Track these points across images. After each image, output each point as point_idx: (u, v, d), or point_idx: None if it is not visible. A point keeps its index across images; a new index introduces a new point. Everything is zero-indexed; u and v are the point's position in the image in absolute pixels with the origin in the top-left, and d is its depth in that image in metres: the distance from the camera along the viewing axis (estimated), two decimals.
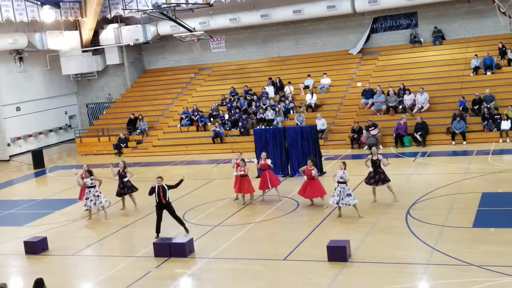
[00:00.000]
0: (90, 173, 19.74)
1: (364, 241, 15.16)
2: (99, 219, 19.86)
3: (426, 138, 27.21)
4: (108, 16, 37.58)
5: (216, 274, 14.22)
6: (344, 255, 13.81)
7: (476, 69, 30.39)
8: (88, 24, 37.40)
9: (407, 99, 29.55)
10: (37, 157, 31.45)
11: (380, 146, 26.83)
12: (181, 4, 32.18)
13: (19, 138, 36.50)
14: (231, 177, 20.78)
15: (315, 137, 23.33)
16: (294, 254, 14.81)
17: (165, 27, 36.84)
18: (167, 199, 16.85)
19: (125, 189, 20.35)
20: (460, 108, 27.88)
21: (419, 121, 27.26)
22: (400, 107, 29.58)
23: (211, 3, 33.02)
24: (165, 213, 17.07)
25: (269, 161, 20.06)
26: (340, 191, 17.04)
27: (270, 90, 33.51)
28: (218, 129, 31.22)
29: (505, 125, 26.38)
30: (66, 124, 40.28)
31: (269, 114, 31.06)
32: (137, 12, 35.01)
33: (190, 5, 32.59)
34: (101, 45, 38.71)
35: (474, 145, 25.96)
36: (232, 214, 18.86)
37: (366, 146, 27.44)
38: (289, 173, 23.46)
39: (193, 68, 39.10)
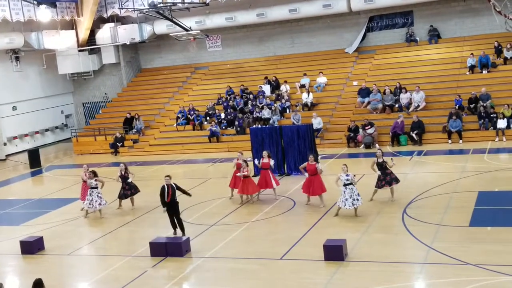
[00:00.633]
0: (94, 174, 19.74)
1: (361, 240, 15.18)
2: (95, 218, 19.84)
3: (422, 137, 27.23)
4: (104, 16, 37.54)
5: (213, 273, 14.22)
6: (340, 254, 13.82)
7: (472, 68, 30.43)
8: (84, 24, 37.33)
9: (403, 97, 29.58)
10: (34, 157, 31.40)
11: (377, 145, 26.83)
12: (177, 3, 32.13)
13: (15, 138, 36.43)
14: (227, 176, 20.77)
15: (311, 136, 23.34)
16: (290, 253, 14.81)
17: (161, 26, 36.81)
18: (174, 198, 16.68)
19: (131, 190, 20.33)
20: (456, 107, 27.92)
21: (415, 120, 27.28)
22: (396, 105, 29.61)
23: (207, 2, 32.96)
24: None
25: (272, 162, 20.01)
26: (351, 194, 16.91)
27: (266, 89, 33.51)
28: (214, 128, 31.21)
29: (501, 123, 26.42)
30: (63, 123, 40.23)
31: (265, 113, 31.05)
32: (133, 12, 34.98)
33: (186, 4, 32.54)
34: (98, 45, 38.65)
35: (470, 144, 25.99)
36: (228, 213, 18.86)
37: (363, 145, 27.47)
38: (286, 172, 23.46)
39: (189, 67, 39.08)
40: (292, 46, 36.64)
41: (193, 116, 33.04)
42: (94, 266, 15.75)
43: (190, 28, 32.99)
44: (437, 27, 33.45)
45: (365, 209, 17.56)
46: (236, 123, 31.35)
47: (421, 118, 27.63)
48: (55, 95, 39.72)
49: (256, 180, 20.25)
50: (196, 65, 38.93)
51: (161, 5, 30.90)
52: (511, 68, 29.86)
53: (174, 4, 31.64)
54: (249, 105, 32.53)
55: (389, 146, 27.20)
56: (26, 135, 37.20)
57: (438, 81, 30.61)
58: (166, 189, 16.65)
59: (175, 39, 33.54)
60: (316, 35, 35.94)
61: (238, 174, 19.75)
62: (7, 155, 35.14)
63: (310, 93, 31.95)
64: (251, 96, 33.24)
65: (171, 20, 31.70)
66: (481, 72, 30.18)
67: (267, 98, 32.35)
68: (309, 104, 31.50)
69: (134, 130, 34.39)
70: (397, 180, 18.32)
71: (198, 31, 32.66)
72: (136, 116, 34.61)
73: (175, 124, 33.64)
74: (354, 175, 17.26)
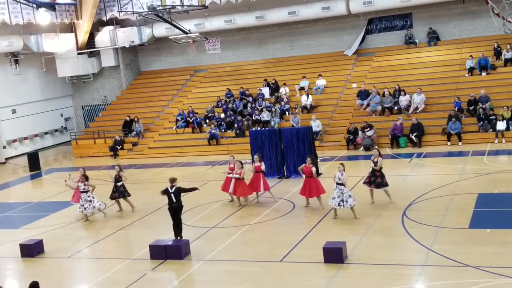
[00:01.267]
0: (86, 178, 19.75)
1: (360, 243, 15.16)
2: (95, 221, 19.84)
3: (422, 139, 27.24)
4: (104, 19, 37.55)
5: (212, 276, 14.21)
6: (340, 257, 13.81)
7: (471, 70, 30.46)
8: (84, 27, 37.36)
9: (403, 100, 29.59)
10: (33, 160, 31.38)
11: (376, 147, 26.81)
12: (176, 6, 32.18)
13: (14, 141, 36.42)
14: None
15: (310, 138, 23.33)
16: (290, 255, 14.80)
17: (161, 29, 36.84)
18: (179, 201, 16.57)
19: (117, 193, 20.31)
20: (456, 109, 27.93)
21: (415, 122, 27.29)
22: (396, 108, 29.62)
23: (206, 5, 33.04)
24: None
25: (263, 166, 20.03)
26: (341, 193, 17.00)
27: (266, 91, 33.52)
28: (213, 130, 31.21)
29: (500, 125, 26.43)
30: (62, 126, 40.21)
31: (265, 116, 31.06)
32: (132, 14, 35.00)
33: (185, 7, 32.60)
34: (97, 47, 38.68)
35: (469, 146, 26.00)
36: (228, 216, 18.85)
37: (362, 147, 27.47)
38: (285, 174, 23.46)
39: (188, 70, 39.09)
40: (291, 48, 36.66)
41: (192, 119, 33.04)
42: (94, 269, 15.73)
43: (189, 30, 33.00)
44: (436, 29, 33.48)
45: (365, 211, 17.56)
46: (236, 125, 31.35)
47: (421, 120, 27.64)
48: (54, 98, 39.73)
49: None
50: (195, 67, 38.95)
51: (160, 8, 30.94)
52: (510, 70, 29.89)
53: (173, 7, 31.68)
54: (249, 108, 32.53)
55: (388, 148, 27.20)
56: (26, 138, 37.19)
57: (437, 83, 30.63)
58: (170, 191, 16.53)
59: (174, 42, 33.57)
60: (315, 38, 35.97)
61: (230, 175, 19.77)
62: (6, 158, 35.15)
63: (310, 96, 31.97)
64: (250, 98, 33.25)
65: (170, 23, 31.72)
66: (480, 74, 30.21)
67: (267, 101, 32.37)
68: (308, 106, 31.51)
69: (133, 133, 34.38)
70: (379, 186, 18.17)
71: (197, 34, 32.69)
72: (136, 119, 34.61)
73: (174, 127, 33.64)
74: (344, 176, 17.15)
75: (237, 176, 19.52)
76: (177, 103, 36.28)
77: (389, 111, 29.59)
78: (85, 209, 19.57)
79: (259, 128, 29.45)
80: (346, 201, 16.95)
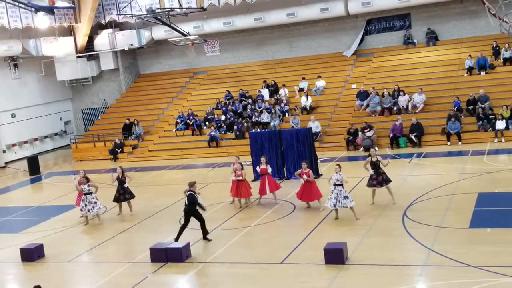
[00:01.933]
0: (87, 179, 19.74)
1: (361, 243, 15.16)
2: (95, 225, 19.82)
3: (422, 139, 27.24)
4: (102, 22, 37.56)
5: (213, 278, 14.21)
6: (341, 258, 13.81)
7: (470, 70, 30.47)
8: (83, 30, 37.38)
9: (402, 100, 29.60)
10: (33, 164, 31.37)
11: (376, 148, 26.81)
12: (175, 9, 32.22)
13: (14, 145, 36.42)
14: (227, 181, 20.78)
15: (310, 140, 23.33)
16: (291, 257, 14.79)
17: (159, 32, 36.87)
18: (190, 205, 16.48)
19: (126, 194, 20.31)
20: (455, 109, 27.94)
21: (414, 122, 27.30)
22: (395, 108, 29.63)
23: (205, 7, 33.07)
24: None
25: (269, 169, 20.01)
26: (337, 194, 17.04)
27: (265, 93, 33.53)
28: (213, 133, 31.22)
29: (500, 125, 26.44)
30: (62, 130, 40.21)
31: (265, 117, 31.07)
32: (131, 17, 35.00)
33: (184, 9, 32.63)
34: (96, 51, 38.70)
35: (469, 145, 26.01)
36: (228, 218, 18.84)
37: (362, 148, 27.47)
38: (285, 176, 23.45)
39: (187, 72, 39.10)
40: (290, 50, 36.68)
41: (192, 121, 33.04)
42: (95, 273, 15.72)
43: (188, 33, 33.03)
44: (435, 29, 33.49)
45: (365, 212, 17.56)
46: (235, 127, 31.35)
47: (420, 120, 27.65)
48: (54, 102, 39.74)
49: (253, 184, 20.21)
50: (194, 70, 38.97)
51: (159, 10, 30.99)
52: (509, 69, 29.92)
53: (172, 9, 31.74)
54: (248, 110, 32.53)
55: (388, 149, 27.22)
56: (25, 142, 37.19)
57: (437, 83, 30.64)
58: (186, 194, 16.55)
59: (173, 44, 33.60)
60: (314, 39, 35.99)
61: (232, 178, 19.77)
62: (6, 163, 35.12)
63: (309, 97, 31.99)
64: (250, 100, 33.26)
65: (169, 26, 31.75)
66: (479, 74, 30.23)
67: (266, 102, 32.37)
68: (308, 107, 31.52)
69: (133, 135, 34.38)
70: (387, 182, 18.27)
71: (196, 36, 32.73)
72: (135, 122, 34.62)
73: (174, 129, 33.64)
74: (342, 176, 17.16)
75: (239, 178, 19.48)
76: (176, 106, 36.30)
77: (389, 111, 29.60)
78: (88, 211, 19.53)
79: (259, 130, 29.45)
80: (340, 202, 16.97)
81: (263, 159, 20.29)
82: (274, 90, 33.83)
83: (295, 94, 33.31)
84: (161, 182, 26.21)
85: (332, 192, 17.19)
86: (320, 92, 32.94)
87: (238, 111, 32.74)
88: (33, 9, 34.23)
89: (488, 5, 22.55)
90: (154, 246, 15.70)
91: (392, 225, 16.43)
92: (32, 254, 16.63)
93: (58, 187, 27.20)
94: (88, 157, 34.19)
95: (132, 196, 20.45)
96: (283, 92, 33.24)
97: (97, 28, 38.32)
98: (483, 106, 27.47)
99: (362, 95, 30.73)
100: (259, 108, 32.00)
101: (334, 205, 17.07)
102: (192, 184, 16.68)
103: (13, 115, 36.64)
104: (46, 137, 38.79)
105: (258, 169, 20.50)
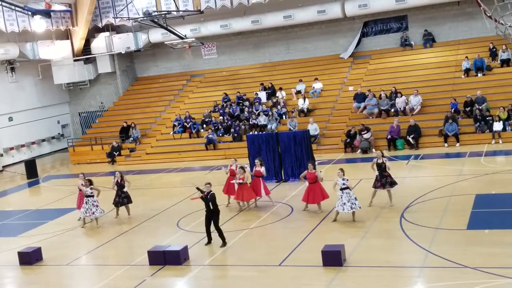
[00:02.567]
0: (90, 182, 19.74)
1: (359, 245, 15.17)
2: (93, 228, 19.80)
3: (419, 141, 27.29)
4: (99, 25, 37.56)
5: (212, 281, 14.21)
6: (339, 260, 13.81)
7: (467, 71, 30.54)
8: (79, 33, 37.36)
9: (399, 102, 29.64)
10: (30, 167, 31.34)
11: (373, 150, 26.86)
12: (172, 12, 32.22)
13: (11, 149, 36.38)
14: (224, 183, 20.74)
15: (308, 142, 23.35)
16: (289, 259, 14.79)
17: (156, 35, 36.88)
18: (214, 206, 16.39)
19: (125, 199, 20.29)
20: (452, 110, 27.98)
21: (412, 124, 27.34)
22: (392, 110, 29.67)
23: (201, 10, 33.05)
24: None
25: (263, 169, 20.03)
26: (348, 197, 16.97)
27: (262, 95, 33.55)
28: (211, 135, 31.22)
29: (497, 126, 26.48)
30: (59, 133, 40.19)
31: (262, 120, 31.09)
32: (128, 21, 35.02)
33: (181, 12, 32.63)
34: (93, 54, 38.70)
35: (466, 147, 26.04)
36: (226, 220, 18.80)
37: (359, 150, 27.49)
38: (283, 178, 23.45)
39: (185, 75, 39.12)
40: (287, 52, 36.72)
41: (189, 124, 33.05)
42: (93, 276, 15.71)
43: (185, 36, 33.04)
44: (432, 31, 33.56)
45: (363, 214, 17.56)
46: (233, 130, 31.36)
47: (417, 122, 27.68)
48: (51, 105, 39.72)
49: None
50: (191, 72, 38.97)
51: (156, 13, 30.97)
52: (505, 71, 29.98)
53: (169, 12, 31.73)
54: (245, 112, 32.55)
55: (385, 151, 27.17)
56: (23, 145, 37.15)
57: (434, 85, 30.69)
58: (205, 196, 16.42)
59: (170, 47, 33.60)
60: (311, 41, 36.03)
61: (233, 181, 19.74)
62: (4, 166, 35.08)
63: (306, 99, 32.02)
64: (247, 103, 33.27)
65: (166, 29, 31.75)
66: (476, 75, 30.29)
67: (263, 105, 32.39)
68: (305, 110, 31.54)
69: (130, 139, 34.37)
70: (392, 184, 18.31)
71: (193, 39, 32.72)
72: (133, 125, 34.60)
73: (171, 132, 33.64)
74: (348, 180, 17.18)
75: (240, 181, 19.46)
76: (174, 109, 36.30)
77: (386, 113, 29.64)
78: (92, 213, 19.52)
79: (256, 132, 29.46)
80: (354, 204, 16.97)
81: (257, 161, 20.31)
82: (271, 92, 33.85)
83: (293, 96, 33.34)
84: (159, 185, 26.19)
85: (341, 197, 17.04)
86: (317, 95, 32.97)
87: (235, 113, 32.75)
88: (29, 13, 34.12)
89: (483, 7, 22.60)
90: (152, 249, 15.69)
91: (390, 227, 16.45)
92: (30, 258, 16.59)
93: (55, 191, 27.17)
94: (86, 160, 34.16)
95: (129, 201, 20.44)
96: (280, 94, 33.26)
97: (94, 31, 38.32)
98: (480, 107, 27.53)
99: (359, 97, 30.76)
100: (257, 110, 32.01)
101: (351, 208, 16.97)
102: (210, 184, 16.58)
103: (10, 119, 36.60)
104: (43, 140, 38.76)
105: (252, 171, 20.51)
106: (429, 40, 33.42)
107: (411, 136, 27.16)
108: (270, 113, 31.38)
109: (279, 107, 31.97)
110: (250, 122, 31.43)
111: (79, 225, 20.06)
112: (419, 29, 33.90)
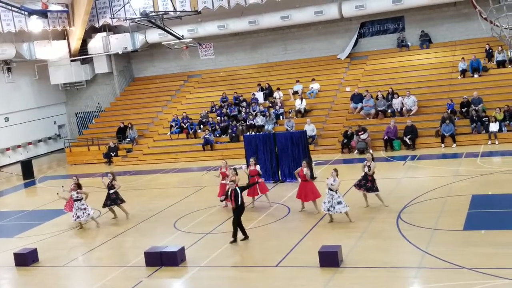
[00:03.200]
0: (78, 186, 19.68)
1: (356, 246, 15.17)
2: (89, 229, 19.77)
3: (416, 142, 27.31)
4: (96, 25, 37.53)
5: (208, 282, 14.18)
6: (335, 261, 13.81)
7: (463, 72, 30.58)
8: (76, 33, 37.31)
9: (396, 102, 29.68)
10: (27, 168, 31.30)
11: (370, 150, 26.84)
12: (169, 12, 32.20)
13: (8, 149, 36.33)
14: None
15: (305, 143, 23.35)
16: (286, 260, 14.79)
17: (154, 35, 36.85)
18: (238, 203, 16.42)
19: (109, 201, 20.22)
20: (449, 111, 28.02)
21: (409, 125, 27.37)
22: (389, 111, 29.69)
23: (199, 11, 33.04)
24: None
25: (258, 167, 20.03)
26: (330, 199, 17.03)
27: (260, 96, 33.55)
28: (208, 136, 31.21)
29: (493, 127, 26.52)
30: (55, 133, 40.15)
31: (259, 120, 31.08)
32: (125, 21, 34.98)
33: (178, 12, 32.61)
34: (90, 54, 38.66)
35: (463, 148, 26.08)
36: (223, 221, 18.81)
37: (356, 151, 27.50)
38: (280, 179, 23.45)
39: (182, 75, 39.10)
40: (284, 53, 36.73)
41: (186, 125, 33.03)
42: (89, 277, 15.68)
43: (182, 36, 33.02)
44: (428, 32, 33.60)
45: (359, 215, 17.58)
46: (230, 130, 31.35)
47: (414, 122, 27.71)
48: (47, 106, 39.68)
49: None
50: (189, 73, 38.96)
51: (153, 14, 30.94)
52: (501, 72, 30.04)
53: (166, 13, 31.71)
54: (243, 113, 32.54)
55: (382, 151, 27.26)
56: (19, 146, 37.10)
57: (430, 86, 30.74)
58: (229, 193, 16.49)
59: (167, 48, 33.60)
60: (308, 42, 36.04)
61: (224, 181, 19.72)
62: (0, 167, 35.01)
63: (303, 100, 32.02)
64: (244, 103, 33.27)
65: (163, 29, 31.73)
66: (473, 76, 30.33)
67: (261, 105, 32.39)
68: (302, 110, 31.55)
69: (127, 139, 34.33)
70: (368, 190, 18.17)
71: (191, 39, 32.72)
72: (130, 125, 34.57)
73: (168, 133, 33.62)
74: (336, 181, 17.08)
75: (231, 182, 19.41)
76: (171, 109, 36.28)
77: (383, 114, 29.66)
78: (78, 217, 19.50)
79: (253, 133, 29.46)
80: (334, 207, 16.97)
81: (252, 160, 20.29)
82: (268, 93, 33.86)
83: (290, 97, 33.35)
84: (156, 186, 26.17)
85: (326, 196, 17.23)
86: (314, 95, 32.98)
87: (233, 114, 32.74)
88: (26, 13, 34.12)
89: (479, 9, 22.68)
90: (148, 250, 15.67)
91: (387, 227, 16.45)
92: (26, 259, 16.55)
93: (52, 191, 27.00)
94: (82, 161, 34.13)
95: (116, 202, 20.20)
96: (277, 95, 33.27)
97: (91, 31, 38.27)
98: (476, 108, 27.57)
99: (356, 98, 30.78)
100: (254, 111, 32.01)
101: (328, 210, 17.08)
102: (234, 181, 16.66)
103: (6, 119, 36.55)
104: (40, 141, 38.71)
105: (247, 170, 20.49)
106: (425, 41, 33.46)
107: (408, 136, 27.18)
108: (267, 113, 31.39)
109: (276, 107, 31.97)
110: (247, 123, 31.43)
111: (75, 227, 20.00)
112: (415, 30, 33.94)
